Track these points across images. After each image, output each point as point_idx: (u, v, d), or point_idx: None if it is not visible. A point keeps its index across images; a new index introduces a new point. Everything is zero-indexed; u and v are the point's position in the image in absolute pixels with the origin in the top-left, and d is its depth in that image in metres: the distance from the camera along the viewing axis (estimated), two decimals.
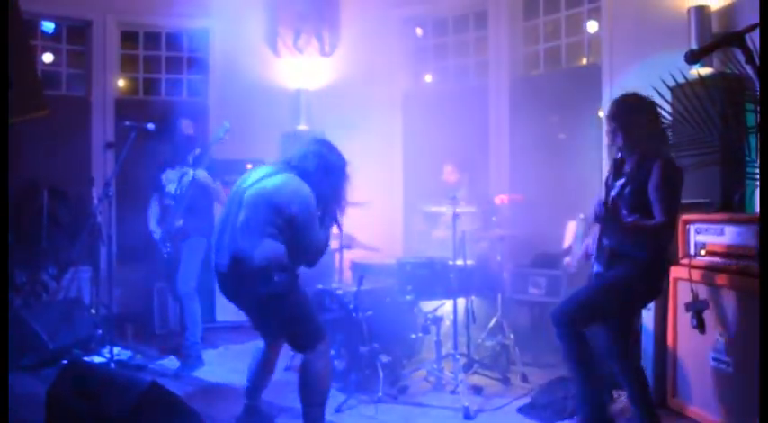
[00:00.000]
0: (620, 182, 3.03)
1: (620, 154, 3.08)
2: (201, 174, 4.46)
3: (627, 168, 3.04)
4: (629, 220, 2.92)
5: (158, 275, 5.54)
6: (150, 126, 4.62)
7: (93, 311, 5.28)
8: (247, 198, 3.12)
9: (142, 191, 5.13)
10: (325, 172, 3.20)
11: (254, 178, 3.19)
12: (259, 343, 3.45)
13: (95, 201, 5.29)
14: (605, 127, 3.10)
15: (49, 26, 6.43)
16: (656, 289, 3.10)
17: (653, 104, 3.04)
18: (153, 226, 4.75)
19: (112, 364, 4.47)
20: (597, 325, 3.15)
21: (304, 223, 3.07)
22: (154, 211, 4.81)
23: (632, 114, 2.99)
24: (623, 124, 2.99)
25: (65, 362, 4.01)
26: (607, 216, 2.89)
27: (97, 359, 4.67)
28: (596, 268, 3.10)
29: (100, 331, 4.97)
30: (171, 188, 4.69)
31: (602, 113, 5.31)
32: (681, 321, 3.51)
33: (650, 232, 2.90)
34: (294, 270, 3.15)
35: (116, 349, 4.63)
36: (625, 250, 2.97)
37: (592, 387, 3.07)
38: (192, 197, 4.55)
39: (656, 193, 2.86)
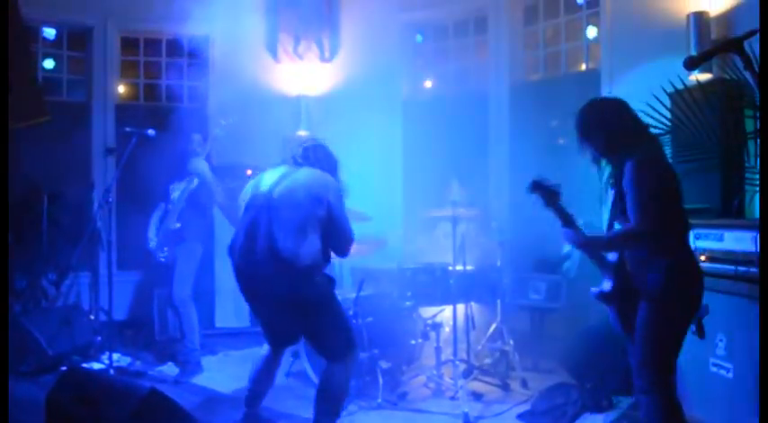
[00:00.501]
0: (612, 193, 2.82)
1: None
2: (201, 164, 4.43)
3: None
4: (596, 238, 2.72)
5: (158, 282, 5.53)
6: (151, 132, 4.63)
7: (92, 317, 5.27)
8: (279, 198, 3.09)
9: (142, 196, 5.14)
10: (329, 165, 3.28)
11: (273, 179, 3.17)
12: (260, 350, 3.41)
13: (95, 206, 5.29)
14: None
15: (50, 32, 6.44)
16: (694, 296, 2.69)
17: (614, 103, 2.82)
18: (151, 234, 4.75)
19: (111, 371, 4.46)
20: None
21: (340, 211, 3.12)
22: (155, 220, 4.83)
23: (590, 121, 2.78)
24: (585, 134, 2.80)
25: (64, 368, 4.01)
26: (575, 244, 2.74)
27: (96, 365, 4.66)
28: (606, 286, 2.76)
29: (99, 337, 4.97)
30: (175, 196, 4.71)
31: None
32: None
33: (629, 240, 2.63)
34: (327, 269, 3.18)
35: (115, 356, 4.63)
36: (643, 257, 2.66)
37: None
38: (189, 199, 4.56)
39: (627, 197, 2.60)
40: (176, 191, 4.74)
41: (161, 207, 4.85)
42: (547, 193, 2.75)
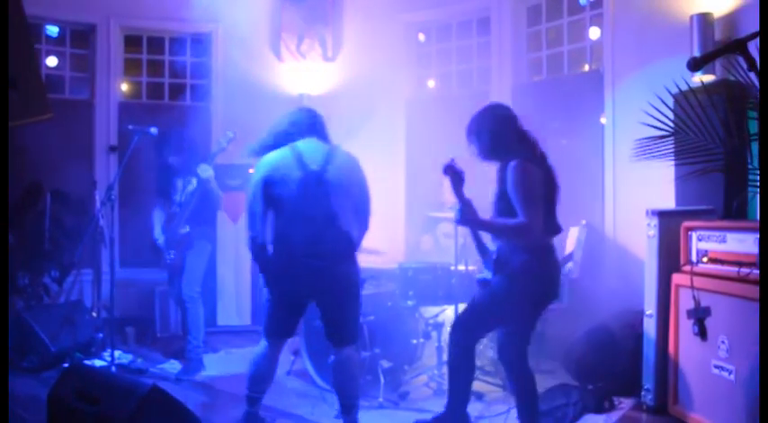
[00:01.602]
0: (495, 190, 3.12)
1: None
2: (206, 170, 4.45)
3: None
4: (484, 219, 3.01)
5: (160, 279, 5.54)
6: (153, 130, 4.63)
7: (94, 315, 5.29)
8: (334, 177, 3.18)
9: (145, 194, 5.16)
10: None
11: (320, 157, 3.22)
12: (256, 349, 3.38)
13: (98, 204, 5.30)
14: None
15: (53, 30, 6.45)
16: (544, 292, 3.06)
17: (497, 109, 3.20)
18: (157, 233, 4.76)
19: (113, 368, 4.47)
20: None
21: (367, 185, 3.34)
22: (158, 217, 4.82)
23: (480, 126, 3.12)
24: (475, 136, 3.13)
25: (66, 365, 4.02)
26: (463, 218, 2.98)
27: (98, 363, 4.68)
28: (488, 275, 3.09)
29: (101, 334, 4.98)
30: (177, 196, 4.71)
31: (604, 120, 5.31)
32: (682, 328, 3.51)
33: (508, 232, 2.95)
34: None
35: (117, 353, 4.64)
36: (505, 256, 3.01)
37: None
38: (197, 204, 4.56)
39: (512, 195, 2.91)
40: (177, 191, 4.73)
41: (161, 205, 4.85)
42: (455, 176, 3.05)
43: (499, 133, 3.07)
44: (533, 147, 3.08)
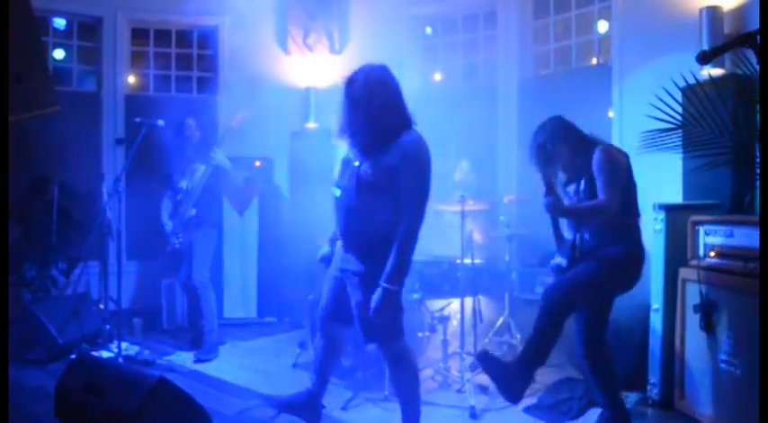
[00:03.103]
0: (572, 186, 3.21)
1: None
2: (220, 154, 4.54)
3: (563, 175, 3.26)
4: (569, 206, 3.07)
5: (167, 270, 5.56)
6: (160, 122, 4.66)
7: (101, 306, 5.30)
8: None
9: (152, 187, 5.16)
10: None
11: None
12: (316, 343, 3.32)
13: (105, 196, 5.32)
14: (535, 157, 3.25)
15: (60, 23, 6.46)
16: (629, 281, 3.15)
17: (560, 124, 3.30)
18: (165, 219, 4.87)
19: (120, 360, 4.49)
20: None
21: None
22: (166, 206, 4.94)
23: (557, 135, 3.24)
24: (553, 144, 3.21)
25: (73, 356, 4.04)
26: (550, 206, 2.96)
27: (105, 354, 4.70)
28: (563, 262, 3.21)
29: (108, 326, 5.00)
30: (183, 184, 4.78)
31: (612, 114, 5.29)
32: (689, 323, 3.50)
33: (590, 212, 3.03)
34: None
35: (124, 344, 4.66)
36: (593, 246, 3.10)
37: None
38: (204, 189, 4.62)
39: (598, 178, 2.99)
40: (183, 180, 4.79)
41: (168, 195, 4.92)
42: (545, 160, 3.13)
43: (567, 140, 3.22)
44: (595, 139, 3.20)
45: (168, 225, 4.82)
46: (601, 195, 2.96)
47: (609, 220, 3.01)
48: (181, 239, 4.72)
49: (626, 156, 3.13)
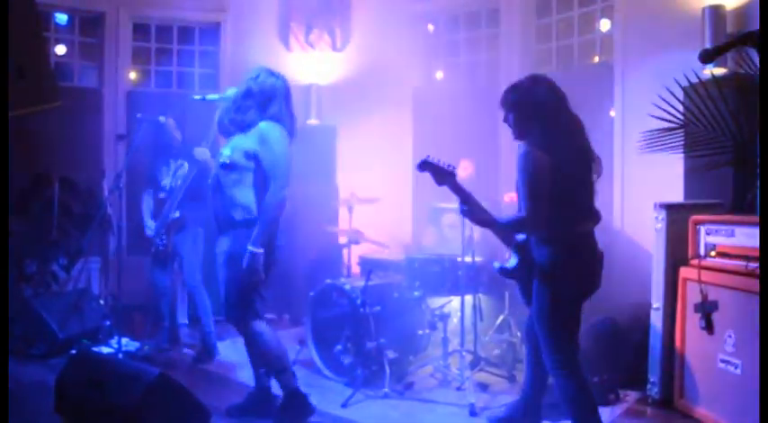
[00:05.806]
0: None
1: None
2: (200, 152, 4.40)
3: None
4: (484, 216, 2.83)
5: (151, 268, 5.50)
6: (161, 119, 4.65)
7: (101, 302, 5.31)
8: None
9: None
10: None
11: None
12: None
13: (106, 192, 5.32)
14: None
15: (62, 18, 6.46)
16: (571, 287, 2.81)
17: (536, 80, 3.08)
18: (147, 220, 4.79)
19: (120, 355, 4.49)
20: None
21: None
22: (147, 205, 4.85)
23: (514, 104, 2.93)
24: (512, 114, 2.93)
25: (73, 352, 4.04)
26: (462, 212, 2.85)
27: (105, 350, 4.70)
28: (512, 262, 2.93)
29: (108, 322, 5.01)
30: (166, 182, 4.72)
31: (613, 113, 5.28)
32: (689, 322, 3.50)
33: (511, 228, 2.83)
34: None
35: (124, 340, 4.66)
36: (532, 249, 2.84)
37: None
38: (192, 185, 4.55)
39: (521, 186, 2.72)
40: (165, 177, 4.74)
41: (149, 192, 4.85)
42: (436, 171, 2.87)
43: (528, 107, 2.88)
44: (559, 128, 2.86)
45: (150, 228, 4.72)
46: (522, 210, 2.69)
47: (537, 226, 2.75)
48: (165, 242, 4.66)
49: (554, 154, 2.71)
